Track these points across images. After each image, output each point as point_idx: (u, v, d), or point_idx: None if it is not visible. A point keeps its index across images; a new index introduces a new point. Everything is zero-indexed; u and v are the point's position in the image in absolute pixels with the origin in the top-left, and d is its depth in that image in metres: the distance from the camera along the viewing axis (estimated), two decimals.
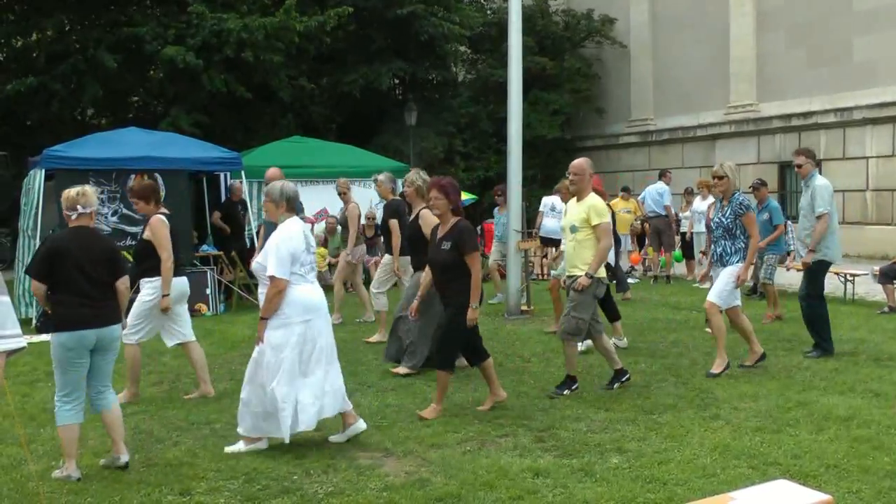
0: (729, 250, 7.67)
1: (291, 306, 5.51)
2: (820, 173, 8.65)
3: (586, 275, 6.85)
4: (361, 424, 5.83)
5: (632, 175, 24.48)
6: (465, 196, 18.72)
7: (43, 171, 11.70)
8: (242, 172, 13.11)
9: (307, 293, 5.62)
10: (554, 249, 13.24)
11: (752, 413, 6.30)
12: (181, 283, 7.10)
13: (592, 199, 7.04)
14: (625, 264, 16.60)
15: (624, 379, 7.25)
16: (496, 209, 13.23)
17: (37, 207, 11.41)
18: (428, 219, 7.62)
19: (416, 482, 4.97)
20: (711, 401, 6.70)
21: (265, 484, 5.00)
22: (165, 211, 7.06)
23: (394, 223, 9.29)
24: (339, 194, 11.17)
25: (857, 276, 12.03)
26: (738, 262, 7.60)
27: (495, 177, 21.88)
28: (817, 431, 5.79)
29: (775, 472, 4.95)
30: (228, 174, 14.35)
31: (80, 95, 17.29)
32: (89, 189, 5.37)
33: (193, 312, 12.02)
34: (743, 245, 7.63)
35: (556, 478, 4.99)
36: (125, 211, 11.95)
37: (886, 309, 11.10)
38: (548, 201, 14.15)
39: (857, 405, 6.44)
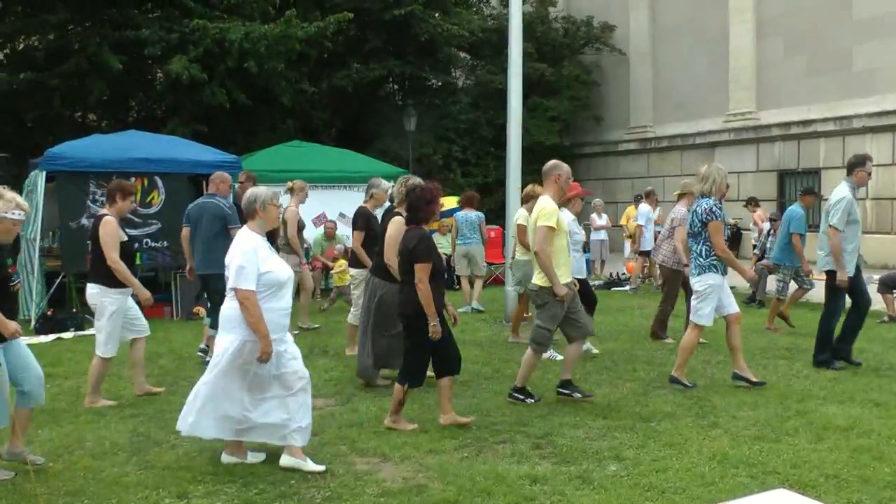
0: None
1: None
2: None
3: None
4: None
5: (630, 182, 24.49)
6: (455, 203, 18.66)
7: (44, 172, 11.72)
8: None
9: None
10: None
11: (751, 422, 6.30)
12: None
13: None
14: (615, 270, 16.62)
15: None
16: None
17: (37, 210, 11.42)
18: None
19: (413, 488, 4.96)
20: (710, 409, 6.69)
21: (262, 488, 4.99)
22: (104, 211, 7.18)
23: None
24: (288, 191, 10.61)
25: None
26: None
27: (493, 183, 21.85)
28: (817, 441, 5.78)
29: (774, 481, 4.94)
30: None
31: (86, 95, 17.26)
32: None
33: (192, 315, 12.12)
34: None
35: (553, 485, 4.98)
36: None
37: (886, 318, 11.10)
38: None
39: (856, 415, 6.44)
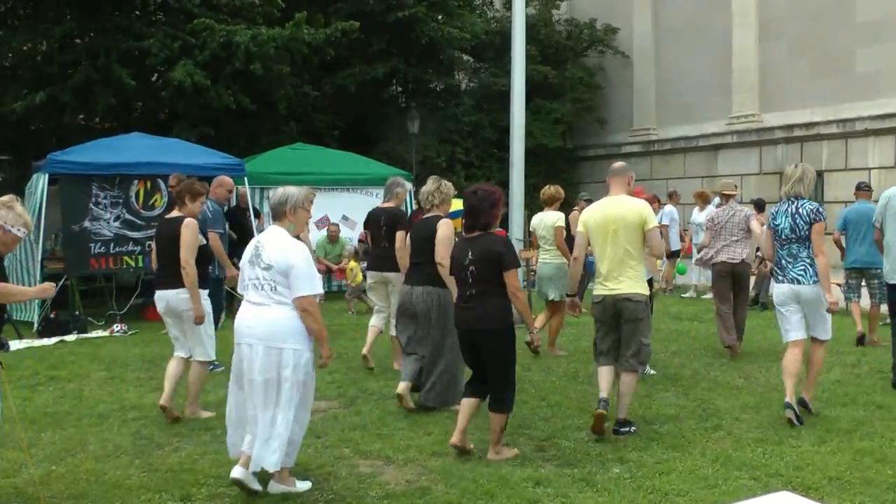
0: None
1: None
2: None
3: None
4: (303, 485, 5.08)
5: None
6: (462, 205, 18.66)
7: (46, 175, 11.75)
8: (245, 179, 13.09)
9: (239, 313, 5.11)
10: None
11: (754, 424, 6.29)
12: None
13: None
14: None
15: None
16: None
17: (39, 212, 11.45)
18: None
19: (416, 490, 4.96)
20: (713, 411, 6.69)
21: (264, 491, 4.98)
22: (176, 213, 6.86)
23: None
24: None
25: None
26: None
27: (496, 185, 21.84)
28: (819, 443, 5.77)
29: (777, 483, 4.94)
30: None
31: (94, 105, 17.25)
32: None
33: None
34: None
35: (556, 487, 4.98)
36: (127, 216, 11.98)
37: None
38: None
39: (859, 417, 6.43)
